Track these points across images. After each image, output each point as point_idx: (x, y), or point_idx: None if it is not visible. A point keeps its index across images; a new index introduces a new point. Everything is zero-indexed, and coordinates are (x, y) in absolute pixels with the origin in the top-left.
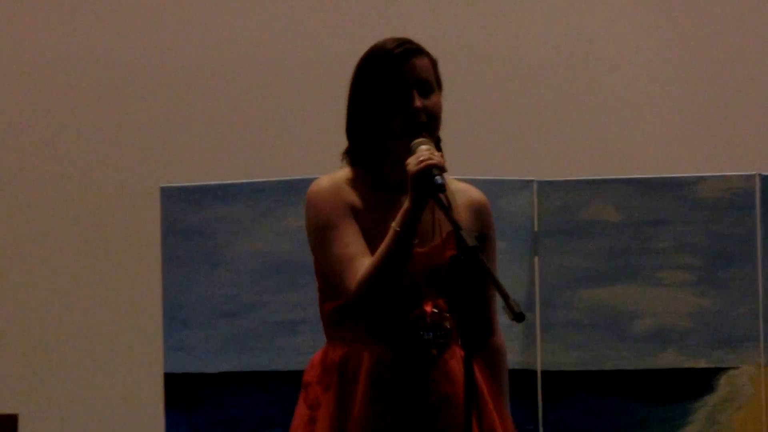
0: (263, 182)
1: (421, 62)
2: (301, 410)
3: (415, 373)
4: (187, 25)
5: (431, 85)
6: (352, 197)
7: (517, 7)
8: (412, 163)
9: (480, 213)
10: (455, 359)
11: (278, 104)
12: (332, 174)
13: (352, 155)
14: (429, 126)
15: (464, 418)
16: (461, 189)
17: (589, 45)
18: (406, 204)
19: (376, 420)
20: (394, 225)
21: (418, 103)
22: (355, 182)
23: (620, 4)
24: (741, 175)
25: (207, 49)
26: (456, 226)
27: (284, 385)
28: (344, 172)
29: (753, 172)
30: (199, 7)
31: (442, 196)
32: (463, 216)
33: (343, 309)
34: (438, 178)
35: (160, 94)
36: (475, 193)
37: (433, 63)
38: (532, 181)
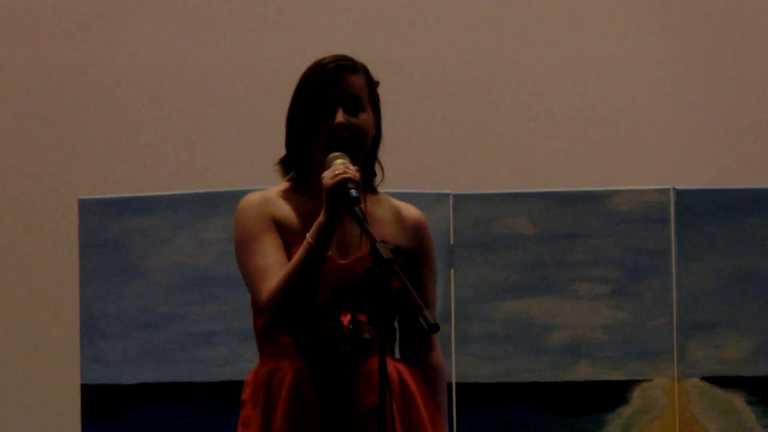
0: (181, 195)
1: (354, 80)
2: (237, 430)
3: (335, 385)
4: (105, 37)
5: (361, 103)
6: (281, 210)
7: (432, 22)
8: (327, 176)
9: (417, 230)
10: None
11: (198, 117)
12: (267, 189)
13: (284, 165)
14: (351, 141)
15: (378, 424)
16: (401, 207)
17: (503, 60)
18: (320, 217)
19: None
20: (308, 237)
21: (340, 118)
22: (286, 195)
23: (535, 19)
24: (656, 189)
25: (126, 62)
26: (371, 239)
27: (201, 397)
28: (279, 187)
29: (668, 186)
30: (118, 19)
31: (357, 209)
32: (402, 233)
33: (271, 324)
34: (353, 191)
35: (78, 106)
36: (413, 212)
37: (370, 83)
38: (448, 194)
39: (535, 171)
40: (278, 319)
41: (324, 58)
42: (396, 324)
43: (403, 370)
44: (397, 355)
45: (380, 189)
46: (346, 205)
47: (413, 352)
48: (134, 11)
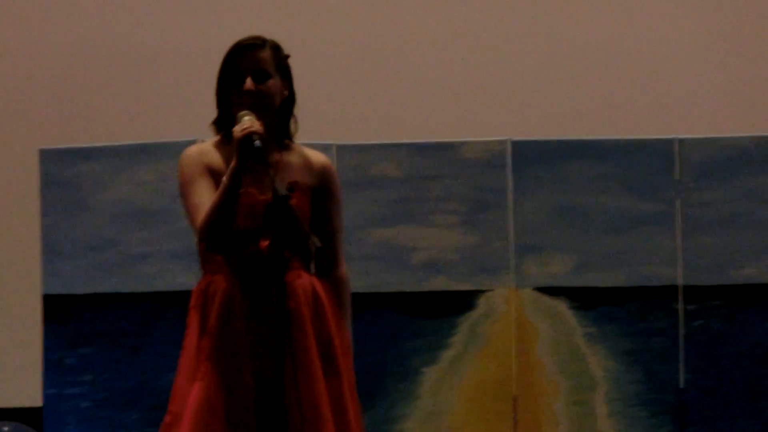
0: (122, 145)
1: (262, 54)
2: (185, 330)
3: (258, 294)
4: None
5: (267, 72)
6: (213, 159)
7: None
8: (237, 130)
9: (324, 172)
10: (301, 281)
11: (137, 82)
12: (204, 142)
13: (215, 124)
14: (258, 104)
15: (276, 327)
16: (310, 154)
17: (387, 25)
18: (232, 163)
19: (228, 330)
20: (224, 179)
21: (247, 85)
22: (218, 147)
23: None
24: (496, 140)
25: (81, 27)
26: (272, 179)
27: (138, 304)
28: (213, 140)
29: (506, 137)
30: None
31: (262, 156)
32: (309, 174)
33: (206, 247)
34: (257, 142)
35: (45, 73)
36: (320, 157)
37: (278, 56)
38: (332, 144)
39: (401, 125)
40: (208, 242)
41: (242, 39)
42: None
43: (316, 282)
44: (313, 271)
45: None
46: (251, 153)
47: (323, 268)
48: None
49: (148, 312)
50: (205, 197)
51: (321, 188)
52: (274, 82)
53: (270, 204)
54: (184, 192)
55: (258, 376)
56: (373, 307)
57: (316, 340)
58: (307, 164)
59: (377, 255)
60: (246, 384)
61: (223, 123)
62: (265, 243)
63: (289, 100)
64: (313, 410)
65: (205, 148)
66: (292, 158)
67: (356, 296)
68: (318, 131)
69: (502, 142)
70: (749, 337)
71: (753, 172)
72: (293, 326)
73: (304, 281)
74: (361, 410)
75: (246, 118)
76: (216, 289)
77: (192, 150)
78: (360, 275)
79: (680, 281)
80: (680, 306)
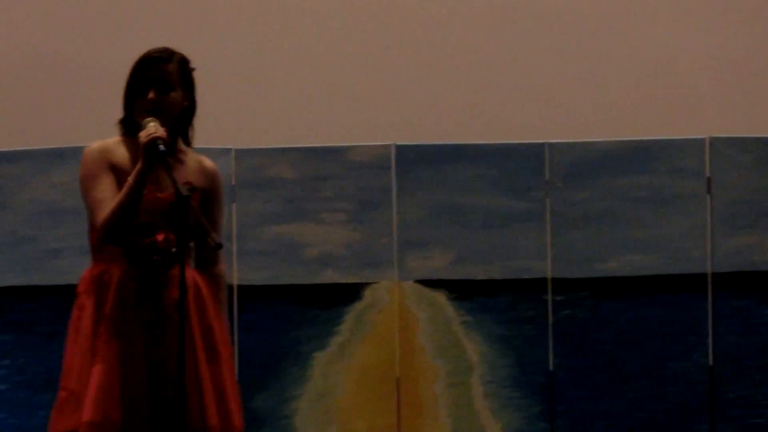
0: (39, 149)
1: (168, 67)
2: (73, 312)
3: (151, 284)
4: None
5: (171, 84)
6: (116, 157)
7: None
8: (142, 135)
9: (212, 176)
10: (185, 274)
11: (52, 91)
12: (107, 139)
13: (122, 125)
14: (161, 112)
15: (179, 317)
16: (201, 159)
17: (282, 36)
18: (138, 165)
19: (122, 316)
20: (129, 179)
21: (151, 95)
22: (120, 146)
23: None
24: (381, 145)
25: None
26: (174, 181)
27: (53, 296)
28: (115, 138)
29: (390, 142)
30: None
31: (165, 159)
32: (200, 177)
33: (104, 239)
34: (161, 146)
35: None
36: (210, 163)
37: (182, 69)
38: (230, 149)
39: (295, 130)
40: (110, 236)
41: (151, 50)
42: (192, 242)
43: (197, 277)
44: (194, 266)
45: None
46: (156, 157)
47: (204, 264)
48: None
49: (61, 302)
50: (106, 193)
51: (209, 191)
52: (175, 94)
53: (173, 203)
54: (87, 186)
55: (150, 360)
56: (268, 298)
57: (199, 329)
58: (199, 168)
59: (273, 250)
60: (139, 367)
61: (128, 125)
62: (160, 236)
63: (190, 109)
64: (198, 392)
65: (108, 145)
66: (188, 161)
67: (254, 288)
68: (219, 137)
69: (386, 147)
70: (612, 325)
71: (616, 173)
72: (180, 315)
73: (188, 275)
74: (239, 393)
75: (151, 124)
76: (111, 277)
77: (95, 147)
78: (257, 269)
79: (549, 274)
80: (549, 297)
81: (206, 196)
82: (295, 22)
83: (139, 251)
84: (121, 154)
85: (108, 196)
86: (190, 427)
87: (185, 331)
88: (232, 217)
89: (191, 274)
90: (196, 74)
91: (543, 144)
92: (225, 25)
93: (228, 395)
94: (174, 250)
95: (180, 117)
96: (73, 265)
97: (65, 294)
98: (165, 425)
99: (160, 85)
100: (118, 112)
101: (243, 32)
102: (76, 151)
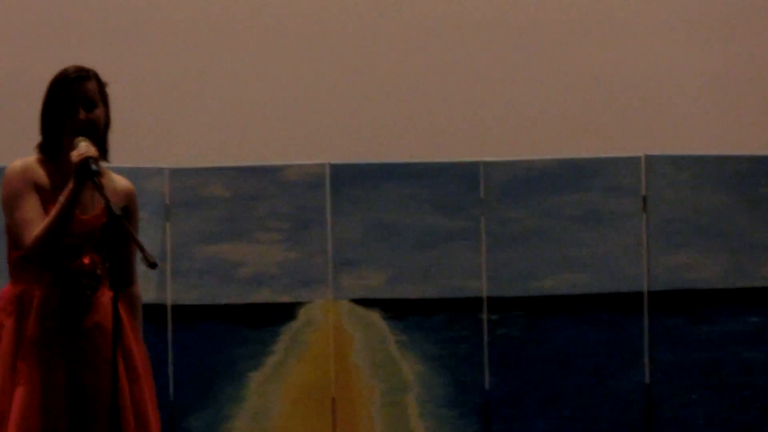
0: None
1: (89, 85)
2: None
3: (75, 306)
4: None
5: (95, 102)
6: (38, 177)
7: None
8: (74, 155)
9: (129, 196)
10: (105, 297)
11: None
12: (27, 158)
13: (42, 148)
14: (91, 131)
15: (112, 339)
16: (117, 179)
17: (213, 55)
18: (69, 184)
19: (44, 338)
20: (60, 198)
21: (81, 115)
22: (41, 166)
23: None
24: (315, 164)
25: None
26: (107, 200)
27: None
28: (35, 157)
29: (324, 162)
30: None
31: (96, 179)
32: (117, 197)
33: (25, 257)
34: (93, 166)
35: None
36: (125, 183)
37: (101, 85)
38: (164, 168)
39: (229, 147)
40: (40, 257)
41: (67, 69)
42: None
43: (113, 297)
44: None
45: (116, 164)
46: (88, 176)
47: (120, 285)
48: None
49: None
50: (34, 213)
51: (125, 210)
52: (99, 111)
53: (105, 223)
54: (11, 205)
55: (71, 382)
56: (202, 319)
57: (119, 351)
58: (117, 187)
59: (207, 269)
60: (60, 390)
61: (52, 147)
62: (86, 259)
63: (107, 125)
64: (119, 413)
65: (30, 164)
66: (106, 181)
67: (187, 308)
68: (152, 156)
69: (321, 165)
70: (548, 343)
71: (551, 191)
72: (101, 338)
73: (107, 297)
74: (158, 414)
75: (82, 143)
76: (31, 299)
77: (17, 165)
78: (190, 288)
79: (484, 293)
80: (484, 316)
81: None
82: (229, 42)
83: (66, 274)
84: (43, 174)
85: (36, 216)
86: None
87: (107, 354)
88: (165, 236)
89: (109, 296)
90: (130, 95)
91: (478, 162)
92: (158, 44)
93: (148, 416)
94: (99, 272)
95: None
96: None
97: None
98: None
99: (86, 104)
100: (33, 132)
101: (177, 52)
102: None
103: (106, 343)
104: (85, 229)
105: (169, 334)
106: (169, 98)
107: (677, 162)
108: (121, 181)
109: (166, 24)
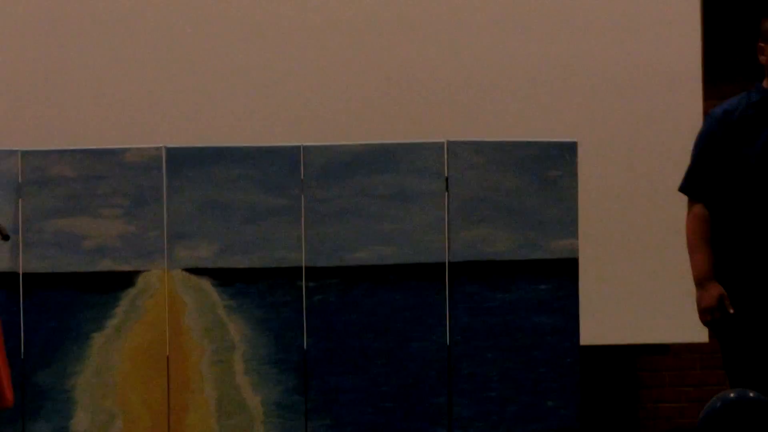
0: None
1: None
2: None
3: None
4: None
5: None
6: None
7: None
8: None
9: None
10: None
11: None
12: None
13: None
14: None
15: None
16: None
17: (70, 43)
18: None
19: None
20: None
21: None
22: None
23: None
24: (153, 147)
25: None
26: None
27: None
28: None
29: (161, 145)
30: None
31: None
32: None
33: None
34: None
35: None
36: None
37: None
38: (17, 150)
39: (75, 132)
40: None
41: None
42: None
43: None
44: None
45: None
46: None
47: None
48: None
49: None
50: None
51: None
52: None
53: None
54: None
55: None
56: (51, 286)
57: None
58: None
59: (55, 242)
60: None
61: None
62: None
63: None
64: None
65: None
66: None
67: (38, 276)
68: (5, 139)
69: (158, 149)
70: (360, 308)
71: (365, 173)
72: None
73: None
74: (9, 371)
75: None
76: None
77: None
78: (41, 258)
79: (303, 263)
80: (303, 283)
81: None
82: (77, 29)
83: None
84: None
85: None
86: None
87: None
88: (18, 211)
89: None
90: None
91: (299, 146)
92: (7, 29)
93: (0, 371)
94: None
95: None
96: None
97: None
98: None
99: None
100: None
101: (27, 39)
102: None
103: None
104: None
105: (21, 300)
106: (21, 84)
107: (476, 147)
108: None
109: (17, 9)
